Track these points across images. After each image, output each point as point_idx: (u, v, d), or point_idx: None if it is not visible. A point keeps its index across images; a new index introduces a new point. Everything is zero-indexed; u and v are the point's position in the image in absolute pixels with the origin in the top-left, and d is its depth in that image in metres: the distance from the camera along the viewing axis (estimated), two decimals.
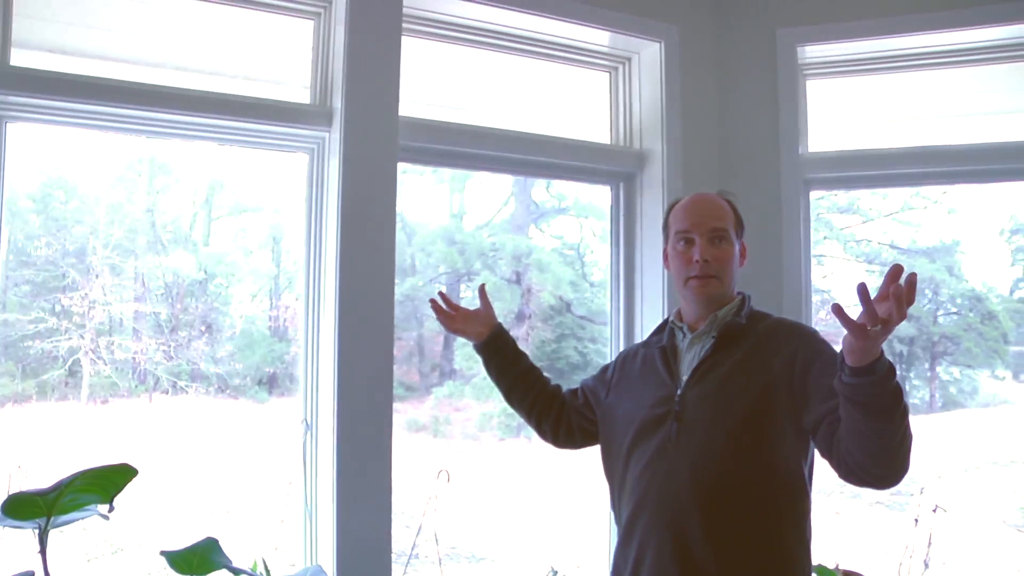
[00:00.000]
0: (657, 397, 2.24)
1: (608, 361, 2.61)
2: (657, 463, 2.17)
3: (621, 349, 3.51)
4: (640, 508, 2.18)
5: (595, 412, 2.48)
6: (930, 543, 3.03)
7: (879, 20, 3.40)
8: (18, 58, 2.59)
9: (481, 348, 2.57)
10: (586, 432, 2.53)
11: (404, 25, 3.00)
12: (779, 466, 2.06)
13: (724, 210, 2.28)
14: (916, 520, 3.09)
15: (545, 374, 2.62)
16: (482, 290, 2.60)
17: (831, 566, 2.80)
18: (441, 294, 2.57)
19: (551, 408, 2.56)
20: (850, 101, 3.71)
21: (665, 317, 2.41)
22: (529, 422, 2.61)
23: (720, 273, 2.24)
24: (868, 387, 1.71)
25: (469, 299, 10.14)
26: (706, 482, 2.07)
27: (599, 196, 3.59)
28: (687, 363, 2.25)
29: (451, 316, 2.57)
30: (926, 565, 3.00)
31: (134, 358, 7.93)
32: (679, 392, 2.20)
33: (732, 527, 2.05)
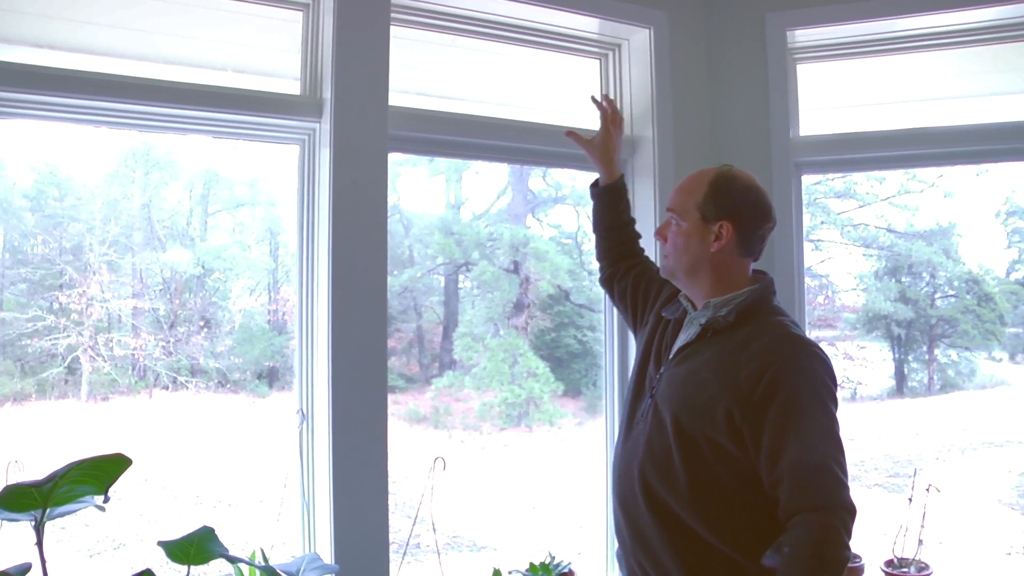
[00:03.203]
0: (650, 366, 2.29)
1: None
2: (629, 433, 2.25)
3: (615, 337, 3.51)
4: (613, 470, 2.29)
5: (636, 302, 2.59)
6: (923, 522, 3.05)
7: (869, 2, 3.39)
8: (3, 53, 2.59)
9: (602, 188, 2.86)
10: (623, 293, 2.66)
11: (392, 15, 3.00)
12: (730, 461, 2.01)
13: (689, 187, 2.24)
14: (910, 499, 3.11)
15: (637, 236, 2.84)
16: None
17: None
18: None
19: (621, 260, 2.74)
20: (841, 84, 3.70)
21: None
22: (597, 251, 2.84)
23: (666, 251, 2.28)
24: None
25: (467, 289, 10.14)
26: (653, 463, 2.11)
27: None
28: (678, 343, 2.24)
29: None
30: (920, 542, 3.02)
31: (133, 354, 8.00)
32: (661, 371, 2.22)
33: (671, 510, 2.05)
